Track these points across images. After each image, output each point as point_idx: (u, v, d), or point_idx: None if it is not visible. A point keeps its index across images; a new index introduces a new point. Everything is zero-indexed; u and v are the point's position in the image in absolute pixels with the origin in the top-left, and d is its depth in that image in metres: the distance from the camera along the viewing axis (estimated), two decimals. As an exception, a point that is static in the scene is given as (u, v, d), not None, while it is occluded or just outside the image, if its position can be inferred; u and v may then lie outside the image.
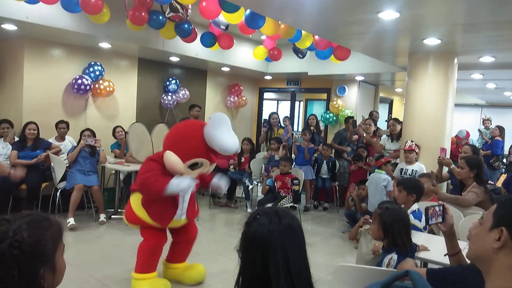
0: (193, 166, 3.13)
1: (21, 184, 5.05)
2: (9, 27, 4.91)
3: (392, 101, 10.77)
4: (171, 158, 3.09)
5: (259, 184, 6.60)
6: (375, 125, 6.63)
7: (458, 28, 4.05)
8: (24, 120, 5.37)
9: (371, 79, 8.20)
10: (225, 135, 3.09)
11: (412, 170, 4.81)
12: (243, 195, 6.56)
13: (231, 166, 6.70)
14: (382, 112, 9.52)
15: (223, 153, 3.15)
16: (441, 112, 5.06)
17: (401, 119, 5.78)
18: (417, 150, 4.90)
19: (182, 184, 2.99)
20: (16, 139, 5.27)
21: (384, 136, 6.02)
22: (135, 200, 3.28)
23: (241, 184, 6.50)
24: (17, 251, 0.98)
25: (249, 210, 6.30)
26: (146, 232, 3.32)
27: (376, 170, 5.13)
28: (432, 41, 4.45)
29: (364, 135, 6.36)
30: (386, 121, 7.94)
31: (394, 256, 2.22)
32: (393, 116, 8.45)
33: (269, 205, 5.05)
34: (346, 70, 7.15)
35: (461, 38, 4.43)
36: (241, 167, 6.64)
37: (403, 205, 3.14)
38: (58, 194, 5.16)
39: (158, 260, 3.38)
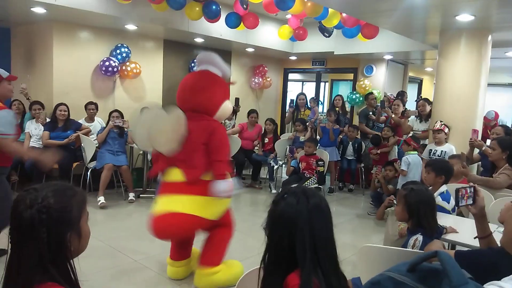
0: None
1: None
2: (39, 10, 5.01)
3: (421, 80, 10.46)
4: (229, 106, 3.21)
5: (283, 165, 6.60)
6: (403, 105, 6.49)
7: (493, 2, 3.86)
8: (55, 102, 5.53)
9: (400, 58, 7.97)
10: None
11: (441, 151, 4.69)
12: (268, 176, 6.59)
13: (256, 148, 6.73)
14: (411, 92, 9.27)
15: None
16: (473, 92, 4.88)
17: (430, 99, 5.62)
18: (446, 131, 4.77)
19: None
20: (48, 120, 5.45)
21: (412, 117, 5.88)
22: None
23: (266, 165, 6.53)
24: (45, 216, 1.06)
25: (273, 191, 6.34)
26: (227, 218, 3.18)
27: (408, 152, 5.01)
28: (465, 17, 4.26)
29: (392, 116, 6.23)
30: (416, 101, 7.74)
31: (420, 237, 2.20)
32: (422, 96, 8.22)
33: (294, 185, 5.05)
34: (374, 49, 6.96)
35: (496, 13, 4.22)
36: (265, 147, 6.66)
37: (430, 187, 3.08)
38: (88, 173, 5.34)
39: None
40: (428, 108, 5.53)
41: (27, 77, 6.10)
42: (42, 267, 1.06)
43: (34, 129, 5.40)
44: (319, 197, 1.31)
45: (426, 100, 5.73)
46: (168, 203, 2.94)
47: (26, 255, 1.06)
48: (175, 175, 2.98)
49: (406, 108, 6.51)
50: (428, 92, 9.85)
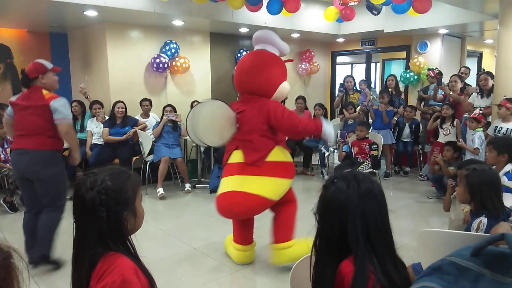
0: None
1: (114, 158, 5.54)
2: (91, 13, 5.25)
3: (481, 54, 9.76)
4: (286, 86, 3.19)
5: (335, 151, 6.49)
6: (462, 82, 6.09)
7: None
8: (112, 100, 5.82)
9: (457, 31, 7.46)
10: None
11: (507, 128, 4.36)
12: (319, 163, 6.51)
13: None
14: (470, 67, 8.67)
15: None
16: (542, 62, 4.47)
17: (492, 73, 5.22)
18: (507, 105, 4.41)
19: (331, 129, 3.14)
20: (106, 117, 5.75)
21: (473, 94, 5.51)
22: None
23: (317, 151, 6.45)
24: (104, 196, 1.18)
25: (326, 177, 6.26)
26: (290, 194, 3.28)
27: (476, 130, 4.72)
28: (530, -20, 3.89)
29: (450, 93, 5.87)
30: (477, 74, 7.23)
31: (484, 220, 2.07)
32: (484, 69, 7.66)
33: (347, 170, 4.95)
34: (427, 24, 6.57)
35: None
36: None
37: (494, 166, 2.89)
38: (147, 166, 5.59)
39: None
40: (490, 82, 5.14)
41: (85, 78, 6.46)
42: (103, 242, 1.18)
43: (95, 127, 5.72)
44: (371, 182, 1.27)
45: (489, 73, 5.33)
46: (232, 183, 2.98)
47: (89, 232, 1.19)
48: (237, 156, 3.05)
49: (467, 84, 6.10)
50: (489, 66, 9.15)
